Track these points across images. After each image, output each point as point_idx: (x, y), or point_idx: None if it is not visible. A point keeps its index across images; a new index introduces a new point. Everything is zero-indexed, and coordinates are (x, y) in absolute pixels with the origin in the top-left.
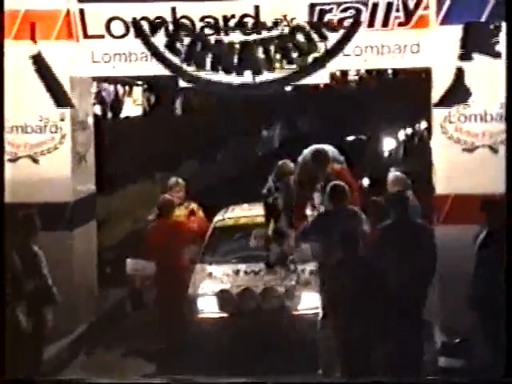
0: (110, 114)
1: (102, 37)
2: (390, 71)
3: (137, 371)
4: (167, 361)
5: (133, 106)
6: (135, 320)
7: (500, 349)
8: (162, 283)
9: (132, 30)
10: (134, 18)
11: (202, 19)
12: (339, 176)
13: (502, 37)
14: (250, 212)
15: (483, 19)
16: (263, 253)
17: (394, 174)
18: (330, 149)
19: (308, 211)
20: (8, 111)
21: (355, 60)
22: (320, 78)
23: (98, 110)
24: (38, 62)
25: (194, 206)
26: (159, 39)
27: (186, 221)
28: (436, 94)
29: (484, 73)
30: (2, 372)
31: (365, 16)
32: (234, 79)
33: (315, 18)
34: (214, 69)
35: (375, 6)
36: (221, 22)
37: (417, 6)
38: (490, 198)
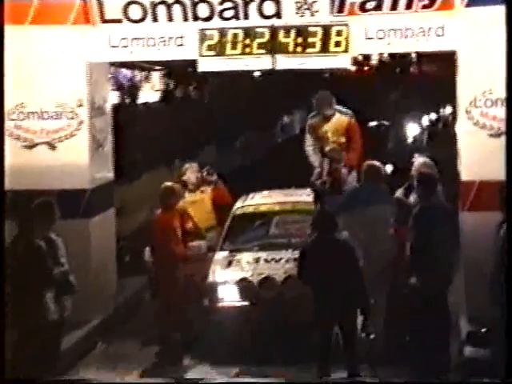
0: (127, 100)
1: (119, 21)
2: (413, 55)
3: (155, 361)
4: (187, 350)
5: (151, 92)
6: (154, 309)
7: None
8: (169, 272)
9: (150, 14)
10: (152, 2)
11: (221, 3)
12: (347, 128)
13: None
14: (270, 199)
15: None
16: (284, 240)
17: (421, 159)
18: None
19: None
20: (25, 97)
21: (378, 44)
22: (342, 62)
23: (115, 96)
24: None
25: (209, 191)
26: (178, 23)
27: (187, 210)
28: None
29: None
30: (1, 372)
31: None
32: (254, 64)
33: (337, 1)
34: (234, 54)
35: None
36: (240, 6)
37: None
38: None
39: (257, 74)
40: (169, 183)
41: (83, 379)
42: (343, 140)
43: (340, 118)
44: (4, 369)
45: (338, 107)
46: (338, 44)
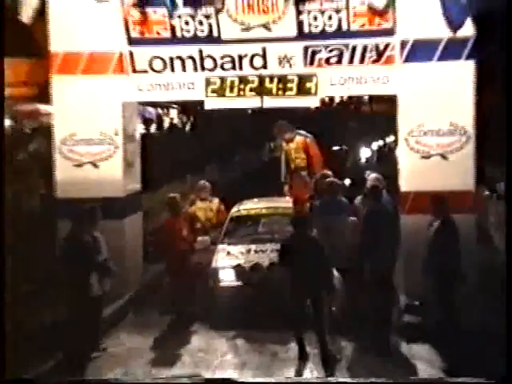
0: (152, 130)
1: (146, 71)
2: (366, 97)
3: (170, 326)
4: (195, 319)
5: (169, 124)
6: (171, 287)
7: (452, 308)
8: (180, 261)
9: (169, 66)
10: (171, 57)
11: (222, 57)
12: (304, 146)
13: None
14: (258, 205)
15: (435, 59)
16: (269, 236)
17: (373, 174)
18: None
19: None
20: (76, 128)
21: (340, 88)
22: (312, 102)
23: (143, 127)
24: None
25: (216, 201)
26: (189, 73)
27: (197, 214)
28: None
29: (437, 97)
30: (1, 372)
31: (346, 55)
32: (247, 103)
33: (308, 57)
34: (232, 95)
35: (354, 47)
36: (236, 60)
37: (385, 48)
38: (440, 195)
39: (249, 111)
40: (172, 195)
41: (88, 379)
42: (303, 156)
43: (298, 138)
44: (4, 369)
45: (299, 131)
46: (309, 88)
